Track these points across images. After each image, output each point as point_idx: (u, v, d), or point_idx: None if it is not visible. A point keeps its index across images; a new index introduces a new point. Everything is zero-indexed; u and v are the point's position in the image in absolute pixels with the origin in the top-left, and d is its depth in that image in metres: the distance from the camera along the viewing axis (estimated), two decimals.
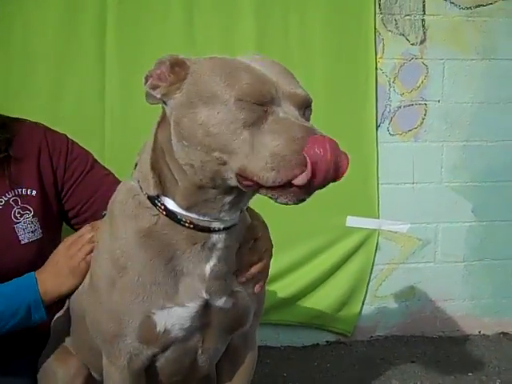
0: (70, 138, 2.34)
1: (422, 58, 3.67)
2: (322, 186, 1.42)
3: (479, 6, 3.67)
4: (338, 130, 1.39)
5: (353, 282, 3.76)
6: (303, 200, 1.44)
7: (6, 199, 2.12)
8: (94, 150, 2.44)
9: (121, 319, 1.72)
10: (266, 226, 1.99)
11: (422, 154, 3.75)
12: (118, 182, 1.98)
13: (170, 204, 1.64)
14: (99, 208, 2.12)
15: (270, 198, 1.45)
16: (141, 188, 1.69)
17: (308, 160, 1.35)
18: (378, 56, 3.58)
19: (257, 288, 1.86)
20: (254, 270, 1.83)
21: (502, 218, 3.92)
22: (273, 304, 3.59)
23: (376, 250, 3.76)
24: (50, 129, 2.30)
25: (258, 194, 1.63)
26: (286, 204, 1.44)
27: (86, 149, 2.37)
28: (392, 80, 3.64)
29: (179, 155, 1.55)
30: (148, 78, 1.59)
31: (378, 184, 3.68)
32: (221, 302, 1.76)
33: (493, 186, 3.86)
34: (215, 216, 1.62)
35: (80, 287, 1.96)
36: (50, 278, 1.95)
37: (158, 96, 1.58)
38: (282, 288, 3.63)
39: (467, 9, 3.66)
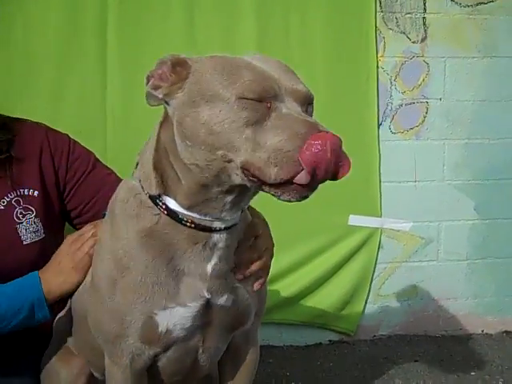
0: (72, 137, 2.34)
1: (423, 56, 3.67)
2: (322, 182, 1.42)
3: (480, 3, 3.66)
4: (340, 128, 1.39)
5: (355, 281, 3.76)
6: (306, 197, 1.44)
7: (8, 200, 2.12)
8: (96, 150, 2.44)
9: (123, 319, 1.71)
10: (267, 224, 1.98)
11: (424, 153, 3.75)
12: (120, 181, 1.96)
13: (172, 203, 1.64)
14: (102, 208, 2.11)
15: (273, 195, 1.44)
16: (142, 187, 1.69)
17: (307, 159, 1.34)
18: (379, 54, 3.58)
19: (256, 286, 1.85)
20: (253, 267, 1.83)
21: (505, 216, 3.91)
22: (275, 303, 3.59)
23: (378, 248, 3.76)
24: (52, 129, 2.30)
25: (259, 193, 1.64)
26: (289, 201, 1.43)
27: (88, 148, 2.37)
28: (393, 78, 3.64)
29: (184, 155, 1.54)
30: (149, 78, 1.59)
31: (380, 182, 3.68)
32: (222, 300, 1.76)
33: (495, 183, 3.86)
34: (216, 215, 1.62)
35: (81, 287, 1.97)
36: (53, 277, 1.94)
37: (160, 96, 1.57)
38: (284, 287, 3.63)
39: (468, 7, 3.66)
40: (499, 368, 3.51)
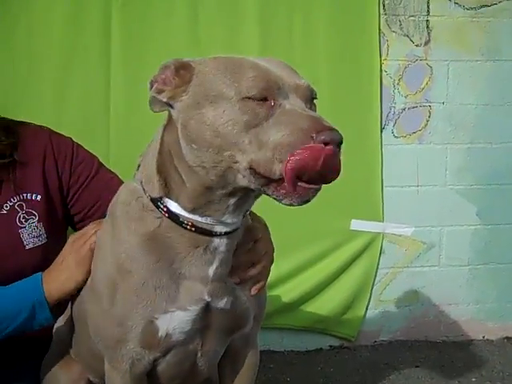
0: (75, 141, 2.32)
1: (426, 60, 3.67)
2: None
3: (483, 6, 3.67)
4: (343, 132, 1.39)
5: (357, 286, 3.75)
6: (308, 201, 1.43)
7: (11, 204, 2.11)
8: (99, 152, 2.43)
9: (124, 324, 1.71)
10: (268, 228, 1.97)
11: (427, 157, 3.75)
12: None
13: (173, 206, 1.63)
14: (105, 212, 2.10)
15: (275, 199, 1.44)
16: (144, 190, 1.69)
17: (291, 168, 1.35)
18: (383, 57, 3.59)
19: (253, 290, 1.84)
20: (251, 271, 1.82)
21: (507, 222, 3.91)
22: (276, 308, 3.59)
23: (380, 253, 3.75)
24: (55, 132, 2.29)
25: (261, 197, 1.63)
26: (291, 205, 1.43)
27: (92, 152, 2.36)
28: (396, 82, 3.64)
29: (189, 158, 1.54)
30: (153, 83, 1.59)
31: (382, 187, 3.68)
32: (222, 303, 1.75)
33: (497, 188, 3.85)
34: (219, 218, 1.61)
35: (82, 291, 1.94)
36: (56, 276, 1.92)
37: (164, 100, 1.57)
38: (285, 292, 3.63)
39: (471, 9, 3.66)
40: (500, 374, 3.50)
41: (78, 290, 1.93)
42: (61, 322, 2.16)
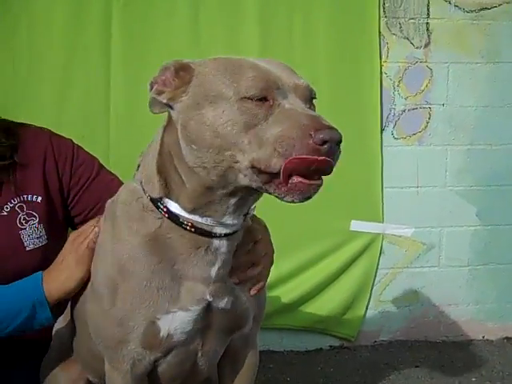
0: (76, 142, 2.33)
1: (426, 62, 3.68)
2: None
3: (483, 9, 3.68)
4: (343, 133, 1.40)
5: (357, 287, 3.76)
6: (309, 198, 1.44)
7: (12, 205, 2.11)
8: (99, 152, 2.43)
9: (125, 325, 1.71)
10: (268, 230, 1.98)
11: (427, 158, 3.76)
12: None
13: (173, 206, 1.64)
14: None
15: (277, 196, 1.45)
16: (144, 190, 1.69)
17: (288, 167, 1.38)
18: (383, 60, 3.60)
19: (252, 291, 1.84)
20: (249, 272, 1.83)
21: (507, 222, 3.91)
22: (276, 308, 3.59)
23: (380, 254, 3.76)
24: (56, 134, 2.29)
25: (262, 198, 1.65)
26: (292, 202, 1.44)
27: (91, 152, 2.36)
28: (396, 84, 3.65)
29: (189, 158, 1.54)
30: (153, 84, 1.60)
31: (382, 188, 3.69)
32: (223, 303, 1.75)
33: (497, 189, 3.86)
34: (219, 219, 1.62)
35: (84, 291, 1.93)
36: (57, 275, 1.90)
37: (164, 101, 1.58)
38: (285, 292, 3.63)
39: (471, 12, 3.67)
40: (500, 374, 3.51)
41: (79, 290, 1.92)
42: (60, 322, 2.15)
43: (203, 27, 3.37)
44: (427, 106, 3.71)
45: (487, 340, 3.99)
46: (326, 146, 1.37)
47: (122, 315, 1.70)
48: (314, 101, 1.59)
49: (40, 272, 1.93)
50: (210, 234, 1.64)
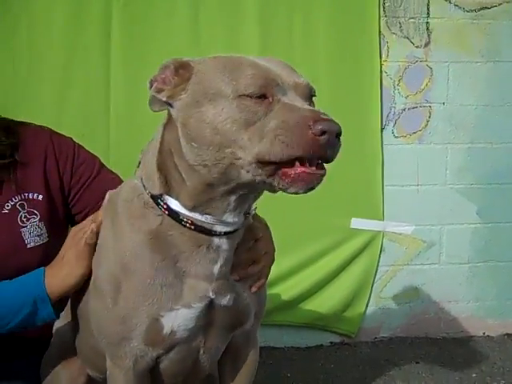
0: (76, 141, 2.33)
1: (426, 61, 3.69)
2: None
3: (483, 8, 3.69)
4: (343, 132, 1.41)
5: (357, 284, 3.78)
6: (312, 188, 1.45)
7: (13, 203, 2.11)
8: (99, 151, 2.43)
9: (129, 323, 1.71)
10: (269, 228, 1.98)
11: (427, 157, 3.77)
12: None
13: (173, 204, 1.64)
14: None
15: (281, 189, 1.47)
16: (144, 187, 1.70)
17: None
18: (383, 59, 3.61)
19: (253, 288, 1.85)
20: (250, 270, 1.84)
21: (507, 220, 3.93)
22: (277, 305, 3.61)
23: (380, 251, 3.78)
24: (56, 132, 2.29)
25: (262, 197, 1.67)
26: (297, 193, 1.45)
27: (92, 152, 2.36)
28: (396, 83, 3.67)
29: (190, 156, 1.55)
30: (152, 82, 1.60)
31: (382, 186, 3.70)
32: (225, 300, 1.76)
33: (497, 188, 3.88)
34: (219, 217, 1.63)
35: (83, 293, 1.94)
36: (58, 271, 1.89)
37: (164, 99, 1.59)
38: (286, 289, 3.65)
39: (471, 11, 3.69)
40: (500, 370, 3.52)
41: (81, 287, 1.91)
42: (61, 319, 2.13)
43: (203, 27, 3.38)
44: (427, 105, 3.73)
45: (488, 336, 4.01)
46: (324, 137, 1.38)
47: (125, 313, 1.70)
48: (313, 99, 1.60)
49: (42, 268, 1.92)
50: (210, 232, 1.64)
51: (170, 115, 1.64)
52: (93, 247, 1.84)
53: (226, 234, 1.67)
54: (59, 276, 1.87)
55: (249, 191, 1.59)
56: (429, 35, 3.65)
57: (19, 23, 3.22)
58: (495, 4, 3.69)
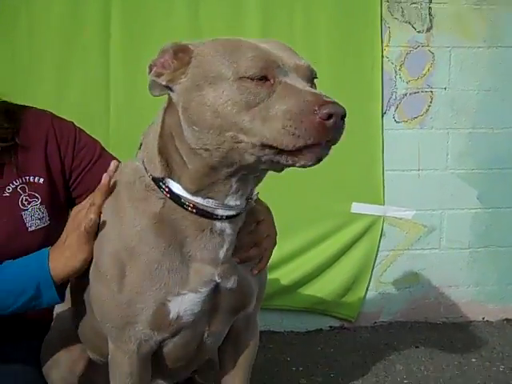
0: (77, 125, 2.33)
1: (428, 46, 3.68)
2: None
3: None
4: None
5: (357, 268, 3.78)
6: (320, 160, 1.46)
7: (14, 187, 2.12)
8: (99, 137, 2.43)
9: (134, 307, 1.71)
10: (271, 212, 1.99)
11: (428, 141, 3.77)
12: None
13: (175, 187, 1.65)
14: None
15: (290, 165, 1.48)
16: (145, 169, 1.70)
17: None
18: (384, 44, 3.60)
19: (254, 271, 1.86)
20: (251, 252, 1.84)
21: (508, 205, 3.93)
22: (277, 289, 3.62)
23: (381, 236, 3.78)
24: (57, 116, 2.29)
25: (263, 181, 1.68)
26: (304, 166, 1.47)
27: (93, 136, 2.36)
28: (398, 67, 3.65)
29: (191, 140, 1.55)
30: (152, 66, 1.60)
31: (383, 170, 3.70)
32: (230, 283, 1.76)
33: (498, 173, 3.88)
34: (221, 200, 1.63)
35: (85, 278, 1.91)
36: (60, 254, 1.87)
37: (164, 83, 1.59)
38: (286, 273, 3.65)
39: None
40: (500, 355, 3.53)
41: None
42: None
43: (203, 23, 3.38)
44: (429, 90, 3.72)
45: (487, 321, 4.02)
46: (331, 120, 1.38)
47: (130, 297, 1.70)
48: (315, 81, 1.60)
49: (45, 250, 1.91)
50: (211, 216, 1.65)
51: (170, 99, 1.64)
52: (93, 232, 1.82)
53: (227, 217, 1.67)
54: (62, 259, 1.86)
55: (249, 172, 1.59)
56: (431, 20, 3.64)
57: (19, 22, 3.22)
58: None
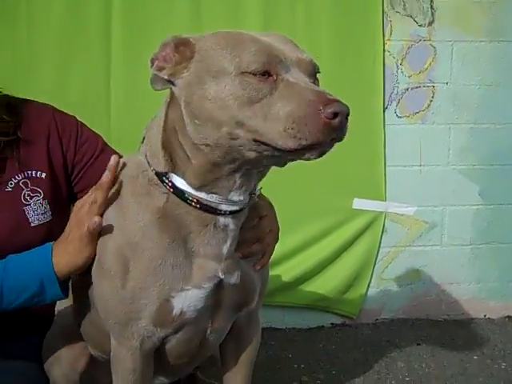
0: (79, 119, 2.32)
1: (430, 40, 3.65)
2: None
3: None
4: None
5: (359, 265, 3.77)
6: (325, 153, 1.46)
7: (16, 181, 2.10)
8: (100, 133, 2.41)
9: (137, 303, 1.70)
10: (273, 207, 1.99)
11: (430, 137, 3.75)
12: None
13: (179, 182, 1.64)
14: None
15: (291, 160, 1.50)
16: (148, 163, 1.69)
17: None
18: (386, 38, 3.58)
19: (256, 266, 1.86)
20: (254, 247, 1.84)
21: (510, 202, 3.91)
22: (278, 286, 3.61)
23: (382, 232, 3.77)
24: (59, 110, 2.28)
25: (265, 178, 1.67)
26: (308, 159, 1.46)
27: (95, 131, 2.35)
28: (400, 62, 3.63)
29: (193, 135, 1.55)
30: (153, 60, 1.60)
31: (385, 166, 3.69)
32: (233, 279, 1.76)
33: (500, 168, 3.86)
34: (225, 196, 1.63)
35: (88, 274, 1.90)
36: (63, 251, 1.86)
37: (165, 77, 1.58)
38: (287, 270, 3.64)
39: None
40: (501, 352, 3.52)
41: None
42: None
43: (204, 21, 3.37)
44: (431, 85, 3.70)
45: (489, 318, 4.00)
46: (337, 120, 1.37)
47: (134, 293, 1.69)
48: (317, 75, 1.58)
49: (49, 245, 1.90)
50: (215, 211, 1.64)
51: (172, 93, 1.63)
52: (97, 233, 1.79)
53: (231, 213, 1.67)
54: (65, 255, 1.85)
55: (253, 167, 1.59)
56: (433, 14, 3.61)
57: (19, 22, 3.21)
58: None
